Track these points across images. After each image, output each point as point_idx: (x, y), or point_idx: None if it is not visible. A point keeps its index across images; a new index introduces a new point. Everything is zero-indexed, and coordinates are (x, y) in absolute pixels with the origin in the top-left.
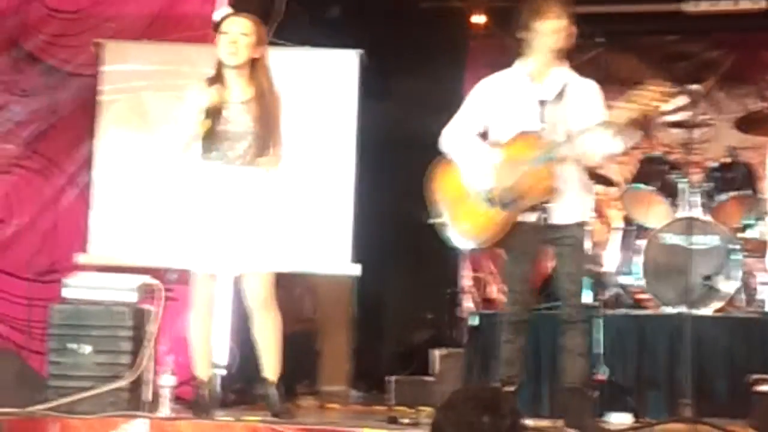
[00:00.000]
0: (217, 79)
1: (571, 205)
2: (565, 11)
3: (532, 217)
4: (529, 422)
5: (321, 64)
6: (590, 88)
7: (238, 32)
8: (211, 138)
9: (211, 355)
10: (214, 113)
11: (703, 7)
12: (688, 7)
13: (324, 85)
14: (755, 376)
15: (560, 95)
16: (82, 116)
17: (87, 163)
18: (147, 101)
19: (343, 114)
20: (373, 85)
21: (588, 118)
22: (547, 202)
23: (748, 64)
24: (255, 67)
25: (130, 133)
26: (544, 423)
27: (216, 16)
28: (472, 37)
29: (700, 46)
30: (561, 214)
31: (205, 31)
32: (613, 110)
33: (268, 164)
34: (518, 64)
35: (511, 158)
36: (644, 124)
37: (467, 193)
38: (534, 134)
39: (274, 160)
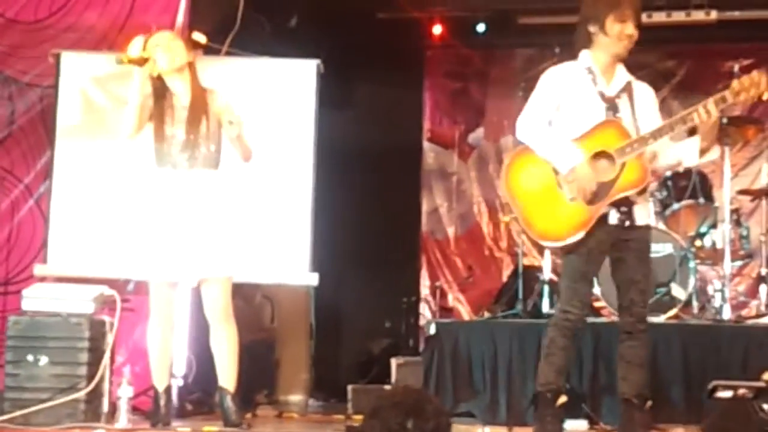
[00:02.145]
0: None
1: (640, 205)
2: (636, 18)
3: (612, 218)
4: (485, 430)
5: (279, 73)
6: (649, 91)
7: None
8: (162, 144)
9: (169, 365)
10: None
11: (657, 18)
12: (643, 19)
13: (282, 94)
14: (715, 383)
15: (623, 94)
16: (40, 126)
17: (45, 174)
18: (105, 112)
19: (301, 123)
20: (332, 95)
21: (649, 121)
22: (631, 199)
23: (701, 73)
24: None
25: (88, 143)
26: (501, 431)
27: None
28: (430, 47)
29: (655, 57)
30: (633, 211)
31: None
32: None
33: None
34: (584, 57)
35: (600, 148)
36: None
37: (547, 188)
38: (618, 123)
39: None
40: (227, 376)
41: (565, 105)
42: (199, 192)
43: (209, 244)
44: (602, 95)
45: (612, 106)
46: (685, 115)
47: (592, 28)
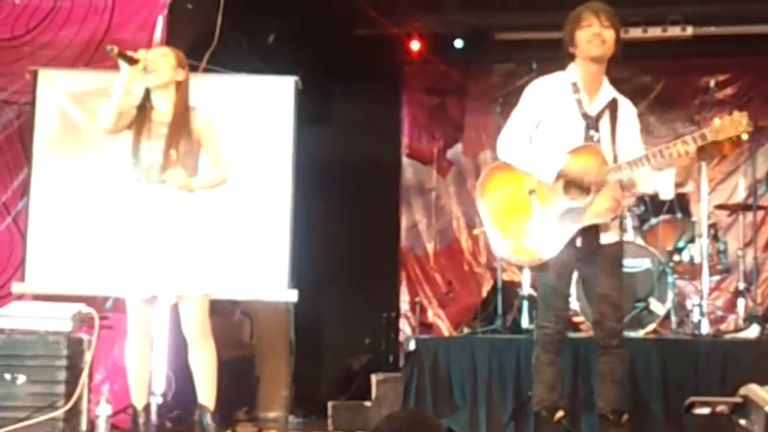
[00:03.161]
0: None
1: (608, 228)
2: (604, 19)
3: (578, 242)
4: None
5: (257, 90)
6: (632, 110)
7: None
8: (138, 158)
9: (148, 383)
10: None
11: (633, 34)
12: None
13: (260, 111)
14: (692, 399)
15: (606, 112)
16: (17, 144)
17: (22, 191)
18: (82, 129)
19: (279, 139)
20: (310, 111)
21: (628, 141)
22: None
23: (678, 88)
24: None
25: (66, 160)
26: None
27: None
28: (408, 63)
29: (632, 72)
30: (599, 236)
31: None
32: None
33: (176, 180)
34: (570, 71)
35: (577, 171)
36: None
37: (519, 207)
38: (596, 149)
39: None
40: (206, 393)
41: (545, 121)
42: (175, 208)
43: (186, 260)
44: (584, 114)
45: (592, 125)
46: (663, 148)
47: (571, 49)
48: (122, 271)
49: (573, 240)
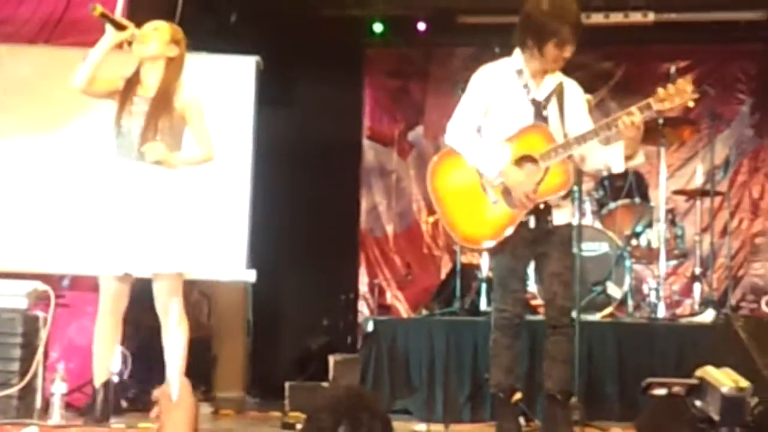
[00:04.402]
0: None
1: (560, 206)
2: (578, 37)
3: (531, 223)
4: (422, 427)
5: (218, 69)
6: (578, 91)
7: None
8: (119, 132)
9: (110, 361)
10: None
11: (595, 19)
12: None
13: (221, 90)
14: (650, 380)
15: (553, 95)
16: None
17: None
18: (41, 105)
19: (239, 120)
20: (271, 92)
21: (577, 122)
22: (551, 203)
23: (639, 74)
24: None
25: (26, 137)
26: (438, 428)
27: None
28: (370, 45)
29: (593, 57)
30: (552, 215)
31: (99, 36)
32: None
33: (155, 154)
34: (517, 58)
35: (525, 152)
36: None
37: (471, 191)
38: (544, 128)
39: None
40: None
41: (493, 107)
42: (149, 186)
43: (159, 239)
44: (531, 100)
45: (540, 110)
46: (609, 121)
47: (530, 42)
48: (96, 247)
49: (526, 221)
